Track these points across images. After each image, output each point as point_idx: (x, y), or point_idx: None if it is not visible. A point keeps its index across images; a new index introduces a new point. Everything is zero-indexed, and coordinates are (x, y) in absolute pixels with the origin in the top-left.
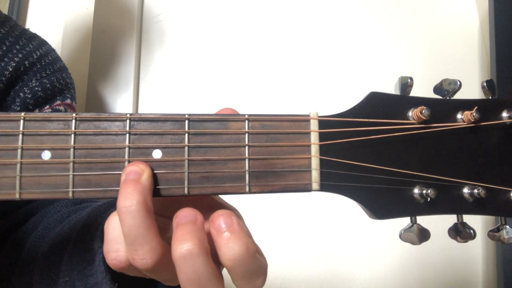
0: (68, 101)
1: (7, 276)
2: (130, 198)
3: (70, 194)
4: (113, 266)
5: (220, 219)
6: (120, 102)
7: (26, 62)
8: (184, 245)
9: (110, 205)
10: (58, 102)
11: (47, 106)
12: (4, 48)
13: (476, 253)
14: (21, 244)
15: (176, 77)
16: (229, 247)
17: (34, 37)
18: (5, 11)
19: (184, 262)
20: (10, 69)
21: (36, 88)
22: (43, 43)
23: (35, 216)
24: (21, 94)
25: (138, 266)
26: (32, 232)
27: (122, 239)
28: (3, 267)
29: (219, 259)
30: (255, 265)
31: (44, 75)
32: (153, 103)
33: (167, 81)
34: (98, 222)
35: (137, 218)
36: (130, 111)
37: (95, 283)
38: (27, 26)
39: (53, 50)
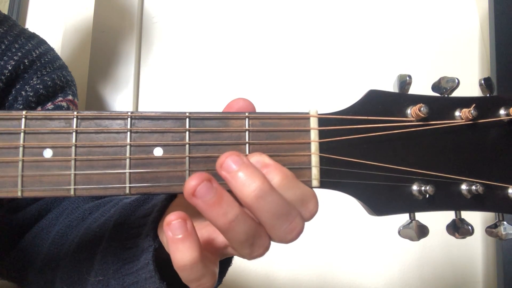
0: (70, 97)
1: (23, 271)
2: (188, 256)
3: (72, 192)
4: None
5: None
6: (120, 102)
7: (26, 61)
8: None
9: (140, 202)
10: (60, 98)
11: (49, 103)
12: (3, 47)
13: (476, 252)
14: (39, 241)
15: (176, 76)
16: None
17: (33, 36)
18: (5, 11)
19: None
20: (10, 68)
21: (38, 86)
22: (42, 42)
23: (52, 213)
24: (23, 92)
25: None
26: (51, 229)
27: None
28: (19, 263)
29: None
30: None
31: (45, 73)
32: (153, 103)
33: (167, 80)
34: (133, 221)
35: (199, 269)
36: (131, 110)
37: (134, 282)
38: (27, 26)
39: (52, 49)
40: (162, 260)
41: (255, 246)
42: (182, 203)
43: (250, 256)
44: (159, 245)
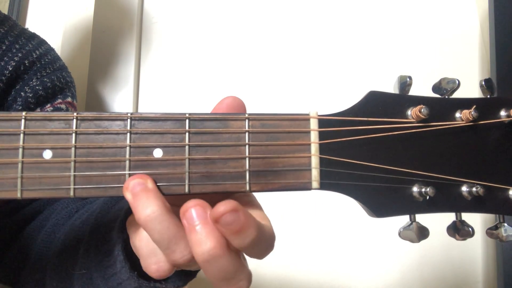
0: (69, 99)
1: (16, 273)
2: (150, 206)
3: (71, 193)
4: (159, 276)
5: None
6: (120, 102)
7: (26, 61)
8: (204, 249)
9: (120, 196)
10: (59, 100)
11: (49, 105)
12: (4, 47)
13: (476, 252)
14: (30, 242)
15: (175, 76)
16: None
17: (33, 36)
18: (5, 11)
19: (208, 264)
20: (10, 69)
21: (37, 87)
22: (42, 42)
23: (42, 214)
24: (22, 93)
25: (181, 264)
26: (41, 230)
27: (157, 250)
28: (13, 264)
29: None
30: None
31: (45, 74)
32: (153, 103)
33: (167, 81)
34: (111, 214)
35: (164, 221)
36: (130, 111)
37: (113, 273)
38: (26, 26)
39: (52, 49)
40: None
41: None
42: None
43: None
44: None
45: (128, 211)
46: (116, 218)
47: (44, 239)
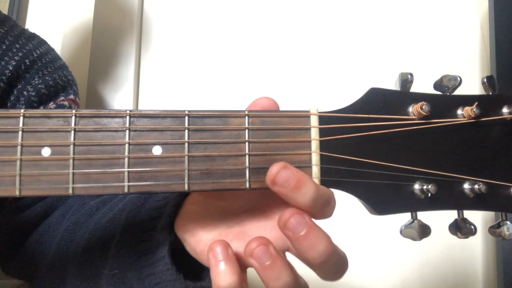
0: (72, 96)
1: (33, 269)
2: (229, 280)
3: (70, 191)
4: None
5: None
6: (120, 102)
7: (27, 61)
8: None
9: (147, 195)
10: (62, 98)
11: (51, 103)
12: (4, 47)
13: (476, 252)
14: (47, 240)
15: (175, 76)
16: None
17: (33, 36)
18: (5, 11)
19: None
20: (11, 68)
21: (40, 86)
22: (43, 42)
23: (58, 210)
24: (24, 92)
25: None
26: (58, 227)
27: None
28: (28, 262)
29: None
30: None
31: (46, 72)
32: (153, 103)
33: (167, 81)
34: (143, 213)
35: None
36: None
37: (150, 273)
38: (27, 26)
39: (52, 49)
40: (177, 251)
41: None
42: (197, 202)
43: None
44: (175, 238)
45: (172, 212)
46: (152, 217)
47: (64, 237)
